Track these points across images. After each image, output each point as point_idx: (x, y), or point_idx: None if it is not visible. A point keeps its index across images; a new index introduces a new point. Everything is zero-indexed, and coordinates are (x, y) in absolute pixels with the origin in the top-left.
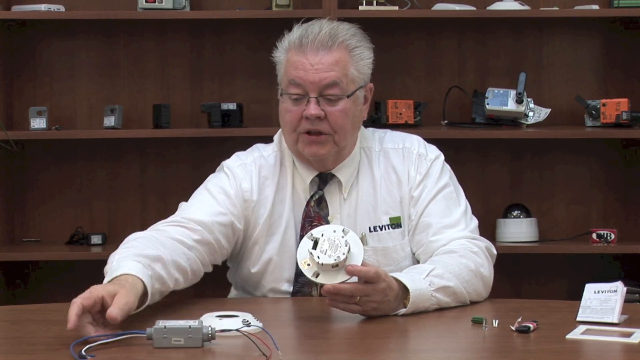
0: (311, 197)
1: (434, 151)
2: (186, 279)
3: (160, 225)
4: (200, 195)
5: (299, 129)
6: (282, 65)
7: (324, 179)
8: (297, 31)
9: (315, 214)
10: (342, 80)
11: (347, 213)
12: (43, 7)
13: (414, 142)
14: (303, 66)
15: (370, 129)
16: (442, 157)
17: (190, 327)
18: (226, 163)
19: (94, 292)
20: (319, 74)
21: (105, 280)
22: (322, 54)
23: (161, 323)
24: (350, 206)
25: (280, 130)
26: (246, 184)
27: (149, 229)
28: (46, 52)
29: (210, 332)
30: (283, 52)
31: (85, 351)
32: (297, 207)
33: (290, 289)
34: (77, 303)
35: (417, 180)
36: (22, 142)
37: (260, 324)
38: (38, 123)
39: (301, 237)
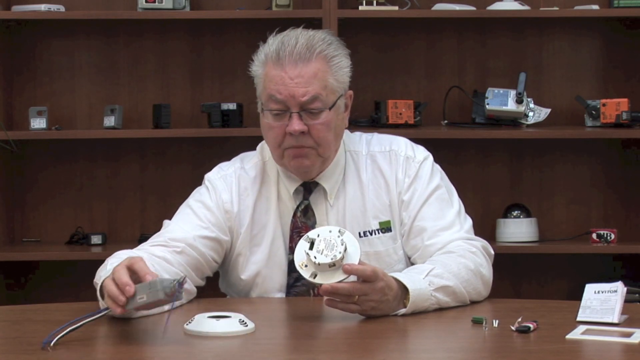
0: (297, 207)
1: (422, 152)
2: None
3: (144, 246)
4: (182, 214)
5: (284, 145)
6: (260, 80)
7: (308, 187)
8: (272, 43)
9: (302, 224)
10: (322, 93)
11: (335, 219)
12: (43, 7)
13: (401, 145)
14: (282, 80)
15: (357, 133)
16: (431, 157)
17: (149, 283)
18: (208, 176)
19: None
20: (299, 88)
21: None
22: (300, 67)
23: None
24: (338, 212)
25: (263, 141)
26: (226, 196)
27: (134, 250)
28: (46, 52)
29: (170, 285)
30: (260, 66)
31: (53, 341)
32: (285, 217)
33: (283, 297)
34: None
35: (406, 184)
36: (22, 142)
37: (254, 325)
38: (38, 123)
39: (290, 248)
